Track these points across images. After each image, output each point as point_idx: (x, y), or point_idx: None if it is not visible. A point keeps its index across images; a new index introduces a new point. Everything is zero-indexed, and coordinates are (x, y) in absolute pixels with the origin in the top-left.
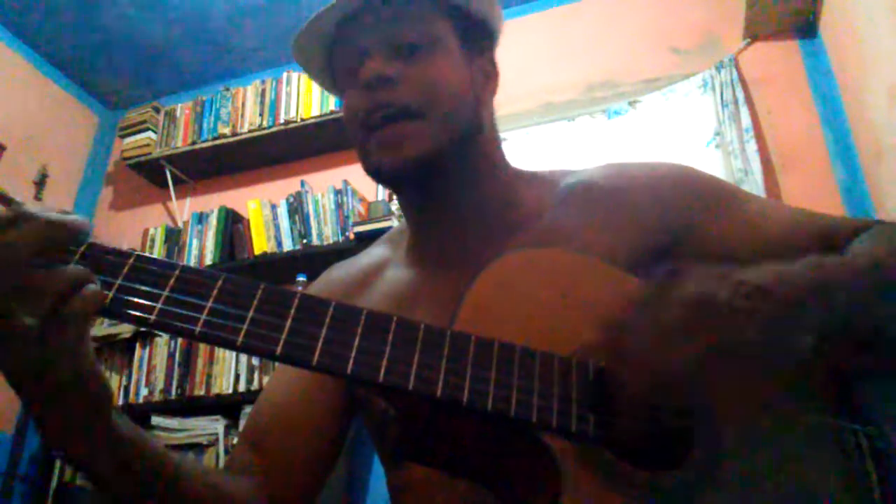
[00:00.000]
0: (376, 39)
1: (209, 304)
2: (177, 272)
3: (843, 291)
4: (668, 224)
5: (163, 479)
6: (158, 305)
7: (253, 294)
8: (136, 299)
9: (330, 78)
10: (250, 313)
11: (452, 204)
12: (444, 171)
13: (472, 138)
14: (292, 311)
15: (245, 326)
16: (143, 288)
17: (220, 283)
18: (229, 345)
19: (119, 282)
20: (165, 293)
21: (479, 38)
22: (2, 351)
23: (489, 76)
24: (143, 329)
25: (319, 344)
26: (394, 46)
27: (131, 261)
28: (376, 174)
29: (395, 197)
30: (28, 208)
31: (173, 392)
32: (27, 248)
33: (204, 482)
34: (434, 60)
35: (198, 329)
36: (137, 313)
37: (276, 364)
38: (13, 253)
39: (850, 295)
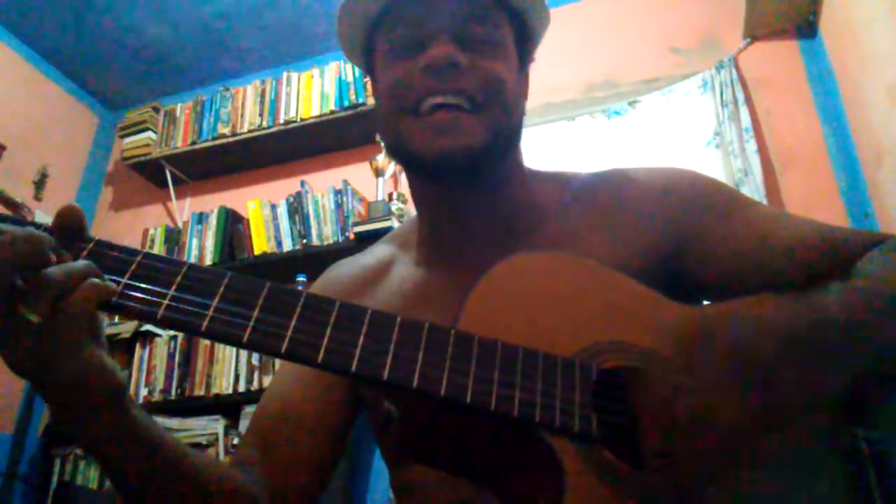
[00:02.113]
0: (448, 25)
1: (215, 302)
2: (184, 269)
3: (869, 331)
4: (674, 229)
5: (179, 471)
6: (166, 301)
7: (259, 292)
8: (143, 295)
9: (362, 45)
10: (256, 311)
11: (478, 202)
12: (486, 168)
13: (514, 143)
14: (297, 310)
15: (251, 324)
16: (151, 286)
17: (226, 280)
18: (235, 341)
19: (126, 279)
20: (172, 291)
21: (528, 52)
22: (5, 347)
23: (524, 91)
24: (144, 328)
25: (324, 342)
26: (463, 37)
27: (139, 258)
28: (419, 158)
29: (396, 195)
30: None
31: (173, 392)
32: (22, 253)
33: (218, 477)
34: (499, 60)
35: (204, 325)
36: (144, 308)
37: (278, 363)
38: (11, 252)
39: (878, 334)
